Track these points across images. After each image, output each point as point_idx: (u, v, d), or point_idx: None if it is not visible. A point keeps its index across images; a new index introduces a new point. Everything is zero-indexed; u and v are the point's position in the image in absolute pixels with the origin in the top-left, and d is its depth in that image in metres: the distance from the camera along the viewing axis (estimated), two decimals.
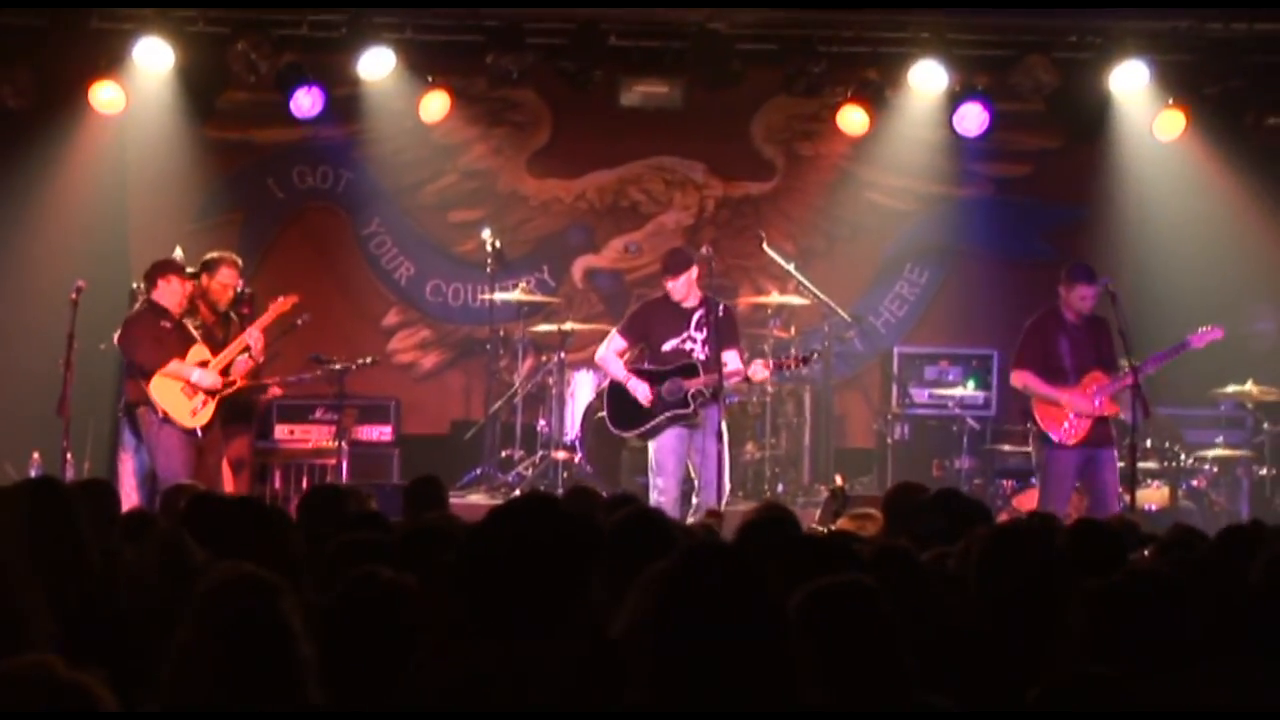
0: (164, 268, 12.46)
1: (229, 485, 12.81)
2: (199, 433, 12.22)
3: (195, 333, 12.43)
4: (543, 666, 4.08)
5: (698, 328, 12.15)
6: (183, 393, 12.16)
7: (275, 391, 13.26)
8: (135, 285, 13.04)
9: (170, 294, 12.31)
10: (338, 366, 13.76)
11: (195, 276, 12.62)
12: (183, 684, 3.93)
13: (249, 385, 12.78)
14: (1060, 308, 12.24)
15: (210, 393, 12.25)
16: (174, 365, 12.14)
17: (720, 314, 12.13)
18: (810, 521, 10.57)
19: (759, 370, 12.26)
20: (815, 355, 13.19)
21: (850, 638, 4.22)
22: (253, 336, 12.50)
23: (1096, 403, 11.98)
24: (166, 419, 12.11)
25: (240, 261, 12.97)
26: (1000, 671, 4.83)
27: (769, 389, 14.60)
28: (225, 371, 12.40)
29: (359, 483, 13.18)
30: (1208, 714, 4.48)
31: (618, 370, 12.32)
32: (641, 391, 12.08)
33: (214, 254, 12.90)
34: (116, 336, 12.53)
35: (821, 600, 4.28)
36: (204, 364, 12.27)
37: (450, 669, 4.13)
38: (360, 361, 14.15)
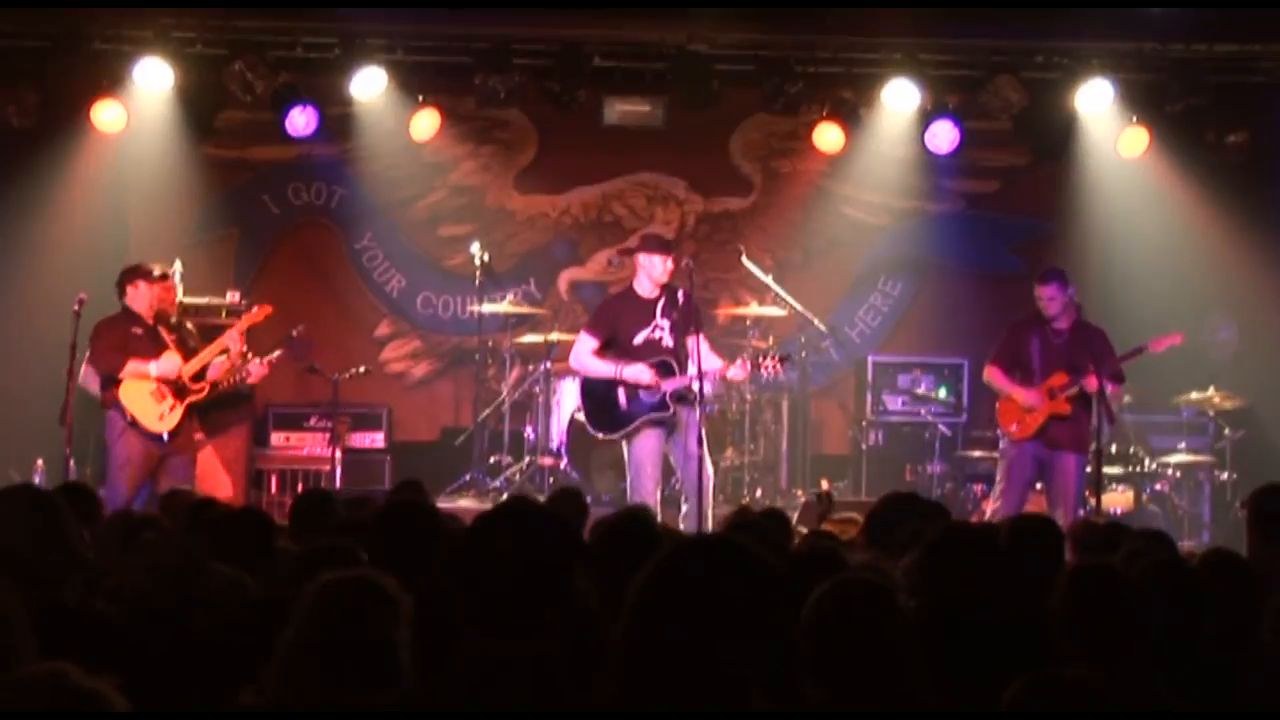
0: (132, 273, 12.39)
1: (224, 484, 12.94)
2: (165, 437, 12.13)
3: (169, 339, 12.34)
4: (538, 662, 4.16)
5: (663, 315, 11.99)
6: (152, 396, 12.11)
7: (260, 370, 12.84)
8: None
9: (140, 299, 12.24)
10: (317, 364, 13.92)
11: (164, 279, 12.54)
12: (290, 676, 4.08)
13: (233, 385, 12.78)
14: (1041, 312, 12.30)
15: (177, 394, 12.16)
16: (132, 365, 12.08)
17: (681, 300, 12.00)
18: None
19: (738, 371, 12.18)
20: (791, 356, 13.01)
21: (862, 635, 4.23)
22: (231, 339, 12.50)
23: (1049, 398, 12.06)
24: (134, 423, 12.05)
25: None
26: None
27: (748, 397, 14.75)
28: (200, 375, 12.33)
29: (352, 488, 13.52)
30: (1179, 714, 4.58)
31: (602, 367, 12.01)
32: (644, 374, 11.85)
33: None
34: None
35: (836, 597, 4.32)
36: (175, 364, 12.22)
37: (449, 667, 4.18)
38: (353, 371, 14.47)
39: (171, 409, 12.18)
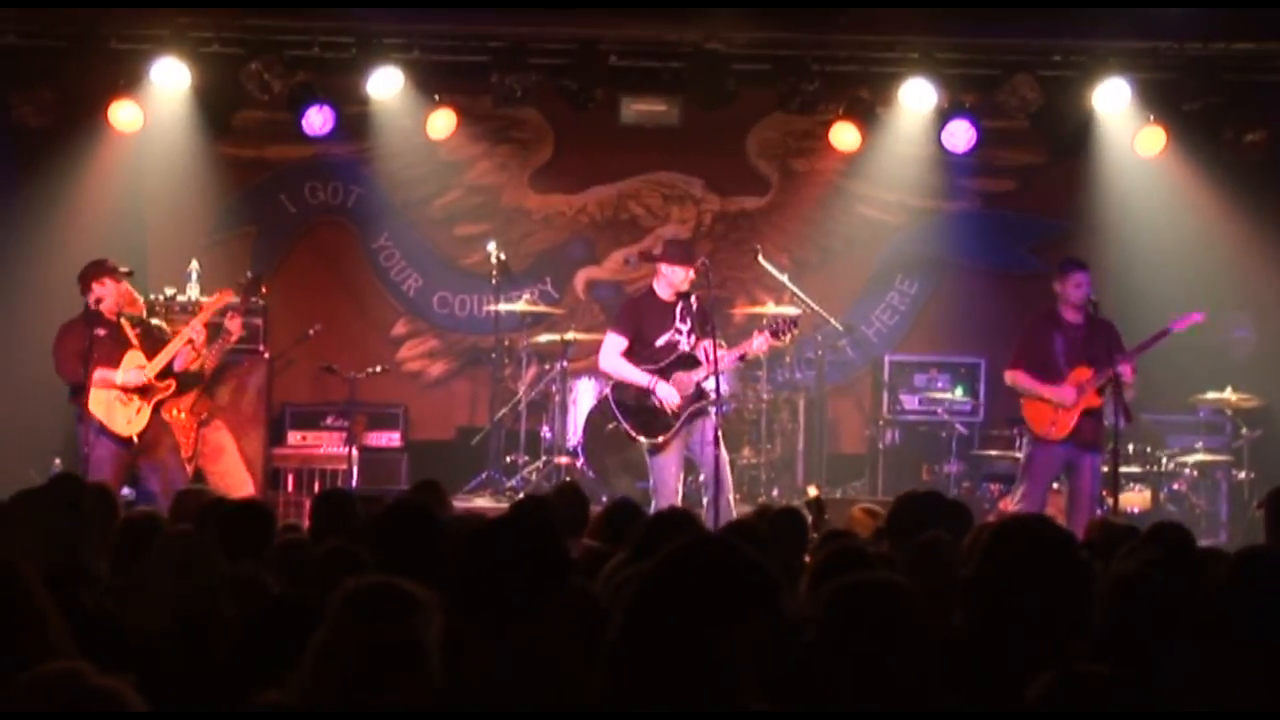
0: (96, 269, 12.12)
1: (245, 483, 12.82)
2: (135, 440, 11.93)
3: (132, 334, 12.13)
4: (537, 644, 4.25)
5: (682, 319, 12.06)
6: (118, 400, 11.90)
7: (235, 328, 12.53)
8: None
9: (104, 296, 12.02)
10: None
11: (129, 275, 12.32)
12: (320, 681, 4.05)
13: (223, 352, 12.55)
14: (1057, 308, 12.29)
15: (143, 394, 11.94)
16: (99, 374, 11.79)
17: (695, 306, 12.08)
18: None
19: (760, 343, 12.12)
20: (797, 320, 12.83)
21: (875, 636, 4.22)
22: (195, 330, 12.17)
23: (1080, 394, 12.00)
24: (103, 430, 11.83)
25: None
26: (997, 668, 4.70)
27: (764, 396, 14.81)
28: (168, 371, 12.06)
29: (369, 487, 13.55)
30: (1203, 714, 4.47)
31: (635, 374, 12.05)
32: (670, 397, 11.93)
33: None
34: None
35: (849, 597, 4.33)
36: (138, 369, 11.97)
37: (452, 654, 4.19)
38: (370, 370, 14.59)
39: (138, 411, 11.99)
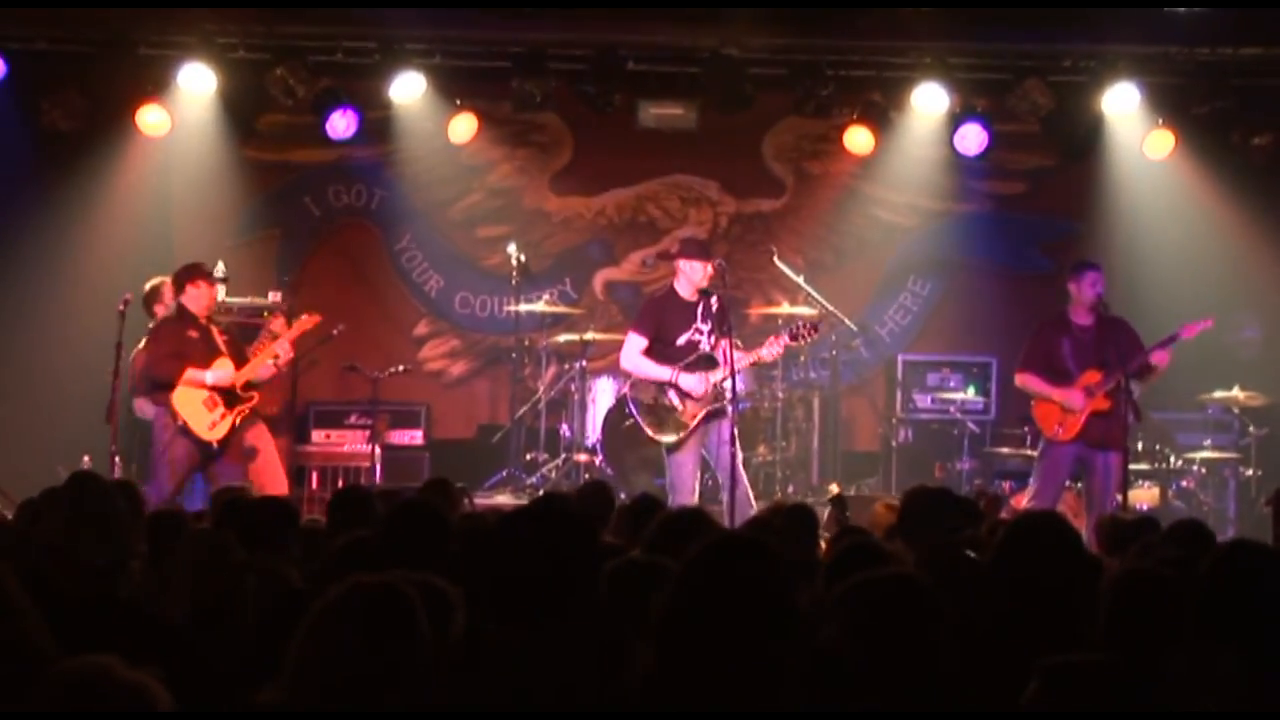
0: (193, 272, 12.32)
1: (281, 483, 13.01)
2: (214, 445, 12.05)
3: (221, 340, 12.28)
4: (557, 649, 4.30)
5: (703, 319, 12.08)
6: (204, 404, 11.99)
7: (279, 329, 12.71)
8: (146, 287, 12.86)
9: (198, 299, 12.17)
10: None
11: (225, 282, 12.53)
12: (301, 679, 3.96)
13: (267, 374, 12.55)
14: (1067, 311, 12.34)
15: (228, 403, 12.01)
16: (190, 373, 11.95)
17: (716, 306, 12.07)
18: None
19: (776, 347, 12.13)
20: (818, 324, 12.93)
21: (892, 632, 4.23)
22: (282, 347, 12.35)
23: (1088, 396, 12.04)
24: (184, 428, 11.98)
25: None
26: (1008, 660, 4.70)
27: (779, 395, 14.93)
28: (251, 384, 12.20)
29: (391, 484, 13.68)
30: (1199, 713, 4.44)
31: (657, 370, 12.04)
32: (699, 386, 11.94)
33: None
34: (142, 345, 12.53)
35: (864, 592, 4.35)
36: (227, 372, 12.06)
37: (472, 654, 4.26)
38: (393, 369, 14.71)
39: (222, 417, 12.08)
